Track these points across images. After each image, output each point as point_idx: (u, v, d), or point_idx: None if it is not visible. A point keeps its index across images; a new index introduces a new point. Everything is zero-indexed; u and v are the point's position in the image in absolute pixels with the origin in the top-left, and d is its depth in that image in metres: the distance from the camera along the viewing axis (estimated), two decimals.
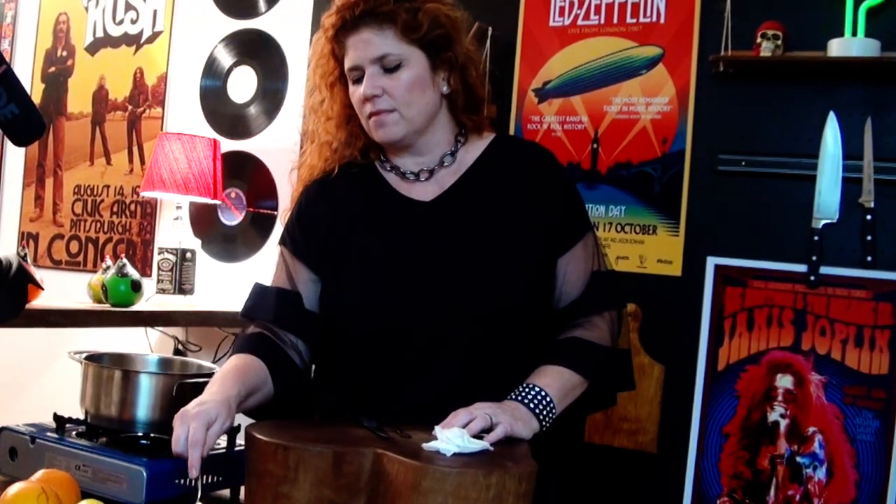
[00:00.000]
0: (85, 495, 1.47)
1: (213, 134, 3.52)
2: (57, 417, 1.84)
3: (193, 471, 1.36)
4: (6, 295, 1.25)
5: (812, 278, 2.07)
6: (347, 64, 1.69)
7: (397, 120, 1.67)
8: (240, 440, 1.74)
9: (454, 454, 1.34)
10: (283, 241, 1.81)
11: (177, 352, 3.41)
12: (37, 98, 4.10)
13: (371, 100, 1.66)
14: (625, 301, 1.80)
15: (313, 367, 1.79)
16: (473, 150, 1.77)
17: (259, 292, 1.78)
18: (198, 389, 1.81)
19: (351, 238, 1.72)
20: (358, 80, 1.68)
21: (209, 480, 1.72)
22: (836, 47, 2.36)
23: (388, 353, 1.66)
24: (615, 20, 2.76)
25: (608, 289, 1.75)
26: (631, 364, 1.80)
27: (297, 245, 1.76)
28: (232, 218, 3.55)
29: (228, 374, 1.59)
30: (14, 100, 1.18)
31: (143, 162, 3.77)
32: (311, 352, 1.74)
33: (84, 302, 3.05)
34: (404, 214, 1.72)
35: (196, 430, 1.39)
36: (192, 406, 1.44)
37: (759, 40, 2.44)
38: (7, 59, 1.18)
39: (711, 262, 2.18)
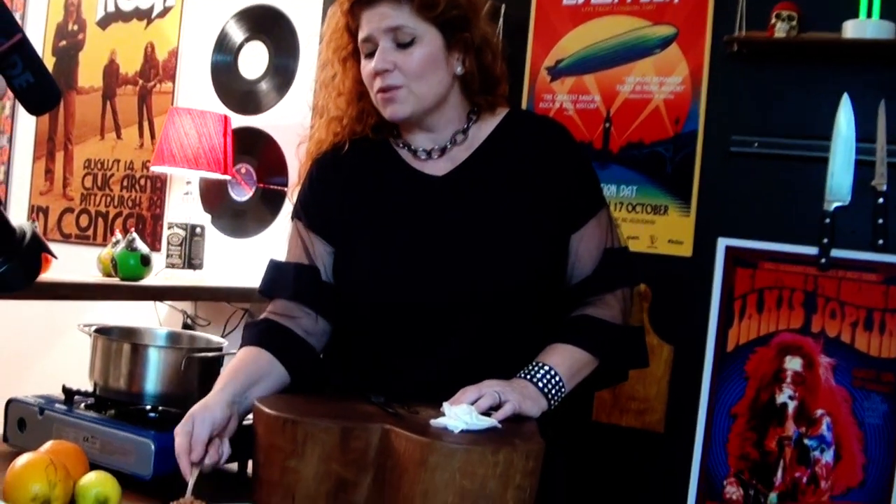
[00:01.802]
0: (93, 467, 1.48)
1: (223, 109, 3.52)
2: (66, 389, 1.85)
3: (186, 476, 1.39)
4: (20, 264, 1.25)
5: (823, 261, 2.06)
6: (361, 35, 1.66)
7: (405, 96, 1.64)
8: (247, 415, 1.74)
9: (462, 431, 1.34)
10: (296, 215, 1.78)
11: (185, 326, 3.42)
12: None
13: (381, 74, 1.63)
14: (638, 278, 1.79)
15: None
16: (486, 126, 1.75)
17: (276, 268, 1.76)
18: (206, 364, 1.82)
19: (362, 211, 1.71)
20: (370, 55, 1.66)
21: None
22: (851, 29, 2.35)
23: (398, 328, 1.66)
24: None
25: (621, 266, 1.74)
26: (644, 341, 1.80)
27: (312, 217, 1.74)
28: (242, 193, 3.55)
29: (229, 373, 1.59)
30: (29, 68, 1.18)
31: (153, 137, 3.77)
32: (331, 326, 1.72)
33: (94, 275, 3.06)
34: (416, 189, 1.71)
35: (195, 436, 1.41)
36: (186, 421, 1.44)
37: (773, 21, 2.42)
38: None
39: (722, 243, 2.16)
